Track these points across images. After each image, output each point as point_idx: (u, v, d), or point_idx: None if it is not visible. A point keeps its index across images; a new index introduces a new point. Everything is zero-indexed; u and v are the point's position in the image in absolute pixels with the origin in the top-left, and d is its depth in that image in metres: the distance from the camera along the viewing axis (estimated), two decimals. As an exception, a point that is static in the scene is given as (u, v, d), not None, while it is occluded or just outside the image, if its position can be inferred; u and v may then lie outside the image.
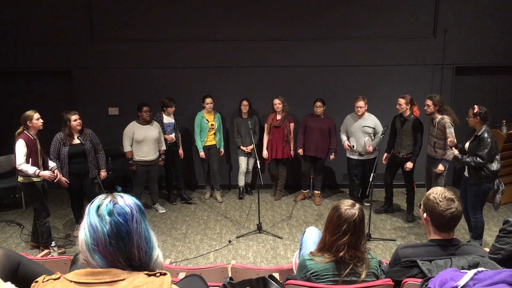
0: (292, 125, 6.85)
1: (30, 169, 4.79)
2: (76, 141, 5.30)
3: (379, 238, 5.60)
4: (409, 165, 5.89)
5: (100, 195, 1.37)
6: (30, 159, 4.86)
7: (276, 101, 6.67)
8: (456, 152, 5.05)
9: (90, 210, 1.32)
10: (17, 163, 4.82)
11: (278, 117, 6.77)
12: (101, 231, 1.27)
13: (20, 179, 5.01)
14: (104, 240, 1.27)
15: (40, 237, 5.15)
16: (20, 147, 4.80)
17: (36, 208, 5.08)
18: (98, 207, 1.31)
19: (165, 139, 6.58)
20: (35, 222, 5.20)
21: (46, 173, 4.90)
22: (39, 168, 4.94)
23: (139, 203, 1.39)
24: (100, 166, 5.56)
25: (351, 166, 6.59)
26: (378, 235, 5.68)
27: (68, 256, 3.38)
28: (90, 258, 1.28)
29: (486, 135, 4.76)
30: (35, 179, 4.97)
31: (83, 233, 1.30)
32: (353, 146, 6.41)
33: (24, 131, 4.89)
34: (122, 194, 1.38)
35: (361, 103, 6.25)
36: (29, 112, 4.91)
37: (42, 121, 4.97)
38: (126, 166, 7.14)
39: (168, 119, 6.65)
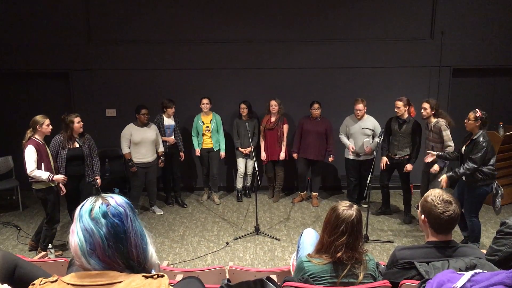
0: (286, 126, 6.85)
1: (44, 174, 4.77)
2: (75, 144, 5.28)
3: (377, 239, 5.60)
4: (409, 167, 5.90)
5: (88, 198, 1.36)
6: (42, 164, 4.82)
7: (273, 102, 6.68)
8: (445, 177, 5.08)
9: (82, 215, 1.30)
10: (28, 170, 4.74)
11: (273, 119, 6.78)
12: (97, 234, 1.26)
13: (34, 186, 4.92)
14: (102, 243, 1.26)
15: (42, 239, 5.13)
16: (30, 154, 4.74)
17: (49, 213, 5.04)
18: (91, 210, 1.30)
19: (165, 141, 6.58)
20: (42, 225, 5.17)
21: (60, 177, 4.90)
22: (52, 173, 4.93)
23: (128, 201, 1.39)
24: (94, 172, 5.51)
25: (349, 167, 6.61)
26: (376, 237, 5.68)
27: (65, 258, 3.36)
28: (86, 263, 1.27)
29: (481, 139, 4.77)
30: (52, 184, 4.94)
31: (76, 238, 1.28)
32: (354, 149, 6.44)
33: (32, 137, 4.84)
34: (111, 195, 1.38)
35: (360, 106, 6.27)
36: (39, 117, 4.87)
37: (51, 127, 4.96)
38: (124, 168, 7.13)
39: (168, 121, 6.64)
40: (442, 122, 5.47)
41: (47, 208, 5.04)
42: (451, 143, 5.38)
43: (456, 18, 7.11)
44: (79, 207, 1.34)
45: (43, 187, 4.91)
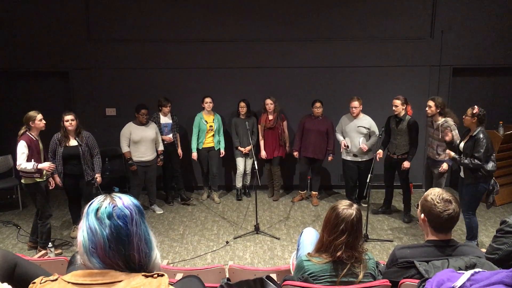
0: (285, 123, 6.87)
1: (29, 165, 4.78)
2: (72, 142, 5.28)
3: (377, 239, 5.60)
4: (406, 164, 5.90)
5: (98, 197, 1.35)
6: (32, 160, 4.84)
7: (268, 101, 6.69)
8: (452, 154, 5.05)
9: (89, 213, 1.30)
10: (17, 163, 4.81)
11: (270, 117, 6.79)
12: (100, 234, 1.26)
13: (23, 180, 4.98)
14: (103, 244, 1.26)
15: (39, 237, 5.14)
16: (21, 148, 4.80)
17: (40, 208, 5.07)
18: (97, 209, 1.30)
19: (163, 140, 6.58)
20: (36, 222, 5.18)
21: (45, 165, 4.88)
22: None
23: (138, 203, 1.38)
24: (95, 170, 5.52)
25: (346, 168, 6.58)
26: (376, 236, 5.69)
27: (65, 257, 3.37)
28: (87, 261, 1.27)
29: (481, 135, 4.76)
30: (38, 180, 4.97)
31: (81, 235, 1.28)
32: (348, 146, 6.41)
33: (26, 132, 4.89)
34: (120, 195, 1.36)
35: (355, 103, 6.26)
36: (32, 113, 4.92)
37: (44, 122, 4.99)
38: (123, 167, 7.13)
39: (165, 120, 6.64)
40: (451, 122, 5.43)
41: (36, 203, 5.08)
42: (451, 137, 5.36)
43: (456, 17, 7.11)
44: (88, 204, 1.33)
45: (30, 182, 4.94)
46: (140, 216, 1.34)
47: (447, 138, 5.22)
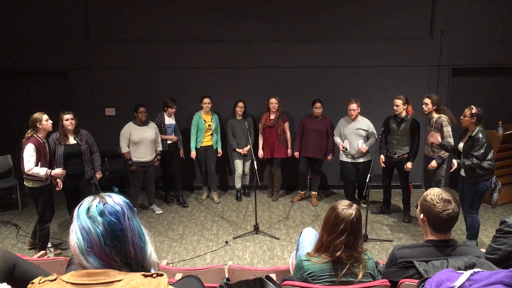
0: (286, 124, 6.86)
1: (42, 170, 4.71)
2: (72, 141, 5.26)
3: (376, 239, 5.60)
4: (409, 165, 5.89)
5: (87, 198, 1.37)
6: (39, 163, 4.78)
7: (273, 100, 6.67)
8: (455, 164, 4.98)
9: (79, 214, 1.31)
10: (27, 168, 4.69)
11: (272, 116, 6.78)
12: (94, 232, 1.27)
13: (27, 183, 4.88)
14: (98, 241, 1.27)
15: (37, 239, 5.11)
16: (30, 152, 4.69)
17: (39, 212, 5.00)
18: (88, 209, 1.31)
19: (166, 140, 6.58)
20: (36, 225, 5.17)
21: (58, 171, 4.84)
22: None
23: (127, 200, 1.39)
24: (95, 167, 5.51)
25: (344, 170, 6.57)
26: (375, 236, 5.69)
27: (65, 257, 3.36)
28: (84, 261, 1.28)
29: (480, 135, 4.78)
30: (42, 184, 4.90)
31: (75, 237, 1.29)
32: (346, 148, 6.39)
33: (33, 135, 4.79)
34: (109, 194, 1.38)
35: (353, 106, 6.25)
36: (37, 115, 4.82)
37: (51, 122, 4.92)
38: (123, 167, 7.13)
39: (169, 120, 6.65)
40: (444, 118, 5.46)
41: (37, 207, 5.01)
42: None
43: (456, 17, 7.11)
44: (77, 206, 1.34)
45: (36, 186, 4.87)
46: (131, 212, 1.36)
47: (431, 139, 5.26)
